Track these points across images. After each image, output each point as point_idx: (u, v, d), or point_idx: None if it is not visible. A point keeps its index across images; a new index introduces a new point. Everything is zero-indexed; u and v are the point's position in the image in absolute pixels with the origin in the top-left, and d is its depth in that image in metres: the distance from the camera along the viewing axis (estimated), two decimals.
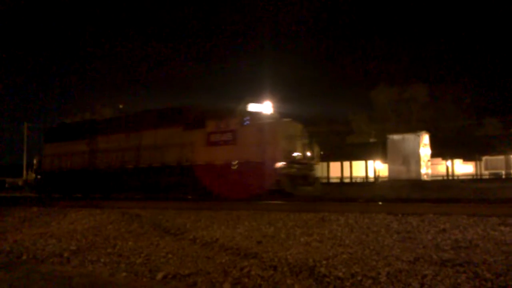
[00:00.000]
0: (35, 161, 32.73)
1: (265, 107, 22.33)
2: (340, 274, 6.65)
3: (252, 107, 21.87)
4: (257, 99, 22.55)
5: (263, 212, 12.20)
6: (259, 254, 8.02)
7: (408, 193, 23.88)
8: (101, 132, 27.49)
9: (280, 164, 19.68)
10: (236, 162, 20.58)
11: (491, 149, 44.92)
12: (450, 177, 46.04)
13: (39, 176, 31.74)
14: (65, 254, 10.11)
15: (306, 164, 20.93)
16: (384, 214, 10.89)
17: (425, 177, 34.03)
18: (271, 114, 22.16)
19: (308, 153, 21.16)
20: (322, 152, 23.82)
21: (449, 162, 48.28)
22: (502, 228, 8.80)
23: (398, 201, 16.65)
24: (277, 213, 11.83)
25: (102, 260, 9.31)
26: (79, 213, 15.22)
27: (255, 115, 21.28)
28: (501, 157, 45.67)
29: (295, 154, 20.39)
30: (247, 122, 20.95)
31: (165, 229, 11.42)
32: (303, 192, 20.17)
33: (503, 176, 43.54)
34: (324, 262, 7.20)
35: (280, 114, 22.51)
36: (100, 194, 26.49)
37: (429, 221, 9.84)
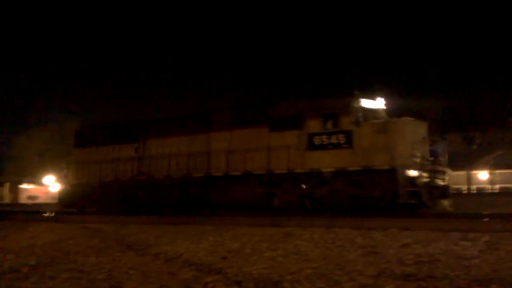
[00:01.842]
0: (62, 170, 27.46)
1: (378, 103, 18.59)
2: None
3: (365, 103, 18.13)
4: (369, 94, 18.60)
5: (228, 226, 12.14)
6: (224, 269, 7.95)
7: None
8: (155, 135, 23.22)
9: (413, 172, 16.61)
10: (353, 169, 17.30)
11: (453, 165, 45.59)
12: None
13: (67, 188, 26.26)
14: (24, 270, 9.82)
15: (437, 172, 17.49)
16: (348, 229, 10.95)
17: None
18: (386, 111, 18.66)
19: (436, 158, 17.63)
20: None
21: None
22: (463, 242, 8.95)
23: (362, 215, 16.72)
24: (243, 228, 11.79)
25: (62, 276, 9.07)
26: (39, 227, 14.88)
27: (371, 113, 18.01)
28: (463, 172, 46.48)
29: (424, 159, 17.08)
30: (365, 120, 17.48)
31: (127, 244, 11.24)
32: (440, 206, 16.98)
33: (465, 191, 44.35)
34: (289, 277, 7.17)
35: (396, 112, 18.95)
36: (151, 209, 22.17)
37: (392, 235, 9.93)
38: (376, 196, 16.83)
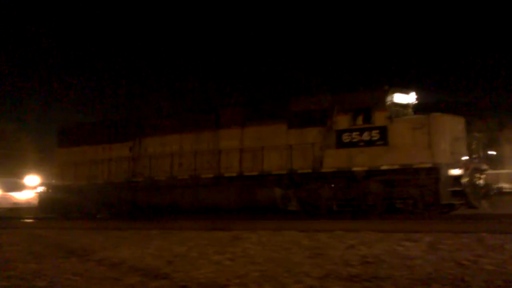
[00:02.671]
0: (44, 172, 25.52)
1: (410, 98, 17.41)
2: None
3: (398, 97, 17.00)
4: (401, 88, 17.40)
5: (174, 231, 12.01)
6: (170, 274, 7.83)
7: None
8: (153, 132, 21.35)
9: (456, 171, 15.52)
10: (389, 168, 16.13)
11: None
12: None
13: (49, 191, 24.25)
14: None
15: (478, 170, 16.46)
16: (295, 231, 11.03)
17: None
18: (418, 105, 17.58)
19: (476, 155, 16.61)
20: (494, 153, 18.80)
21: None
22: (407, 243, 9.16)
23: (307, 218, 16.83)
24: (190, 231, 11.71)
25: (2, 283, 8.72)
26: None
27: (403, 108, 17.09)
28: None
29: (464, 157, 16.15)
30: (398, 116, 16.50)
31: (70, 250, 10.92)
32: (483, 206, 15.89)
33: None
34: (236, 280, 7.13)
35: (429, 106, 18.09)
36: (152, 213, 20.21)
37: (338, 237, 10.06)
38: (415, 197, 15.83)
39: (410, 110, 17.22)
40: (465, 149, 16.22)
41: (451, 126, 16.21)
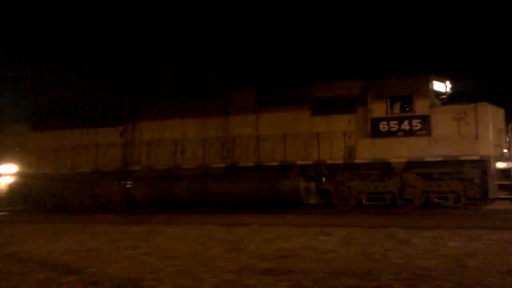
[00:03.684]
0: (14, 159, 21.66)
1: (447, 87, 16.43)
2: (166, 287, 6.51)
3: (437, 85, 15.99)
4: (440, 76, 16.30)
5: (87, 224, 11.65)
6: (81, 269, 7.57)
7: None
8: (149, 116, 19.14)
9: (501, 163, 14.79)
10: (431, 160, 15.19)
11: None
12: None
13: (21, 180, 21.18)
14: None
15: None
16: (212, 225, 11.00)
17: None
18: (452, 94, 16.61)
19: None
20: None
21: None
22: (321, 237, 9.37)
23: (225, 211, 16.76)
24: (103, 225, 11.39)
25: None
26: None
27: (440, 97, 16.22)
28: None
29: (505, 149, 15.31)
30: (442, 105, 15.62)
31: None
32: None
33: None
34: (150, 275, 7.00)
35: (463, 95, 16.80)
36: (153, 206, 18.31)
37: (255, 231, 10.13)
38: (458, 191, 15.14)
39: (444, 100, 16.49)
40: (505, 141, 15.40)
41: (495, 116, 15.36)
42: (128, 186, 19.28)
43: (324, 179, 16.82)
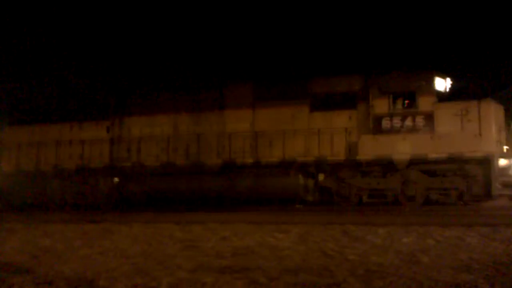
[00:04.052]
0: None
1: (447, 84, 16.35)
2: (121, 286, 6.42)
3: (438, 82, 15.87)
4: (441, 72, 16.15)
5: (39, 223, 11.36)
6: (34, 269, 7.38)
7: None
8: (138, 110, 18.33)
9: (503, 161, 14.85)
10: (435, 157, 15.07)
11: None
12: None
13: None
14: None
15: None
16: (168, 223, 10.91)
17: None
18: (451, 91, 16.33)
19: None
20: None
21: None
22: (278, 234, 9.41)
23: (182, 209, 16.62)
24: (56, 224, 11.13)
25: None
26: None
27: (447, 93, 15.97)
28: None
29: (505, 146, 15.31)
30: (445, 101, 15.33)
31: None
32: None
33: None
34: (105, 274, 6.89)
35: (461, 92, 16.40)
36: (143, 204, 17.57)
37: (211, 229, 10.10)
38: (460, 188, 15.17)
39: (444, 97, 16.15)
40: (505, 138, 15.39)
41: (497, 114, 15.30)
42: (116, 183, 18.50)
43: (321, 176, 16.60)
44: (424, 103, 15.31)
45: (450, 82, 16.28)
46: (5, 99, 22.22)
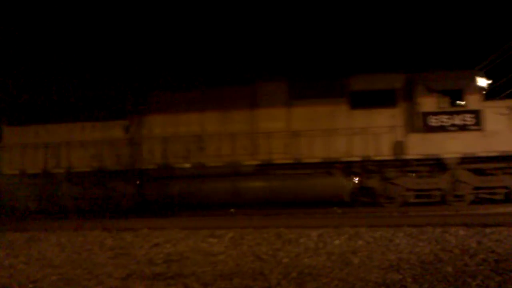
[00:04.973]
0: None
1: (486, 82, 16.14)
2: None
3: (481, 81, 15.67)
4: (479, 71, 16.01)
5: None
6: None
7: None
8: (161, 109, 17.13)
9: None
10: (485, 155, 14.87)
11: None
12: None
13: None
14: None
15: None
16: (98, 231, 10.62)
17: None
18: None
19: None
20: None
21: None
22: (211, 239, 9.34)
23: (112, 216, 16.03)
24: None
25: None
26: None
27: (488, 91, 15.76)
28: None
29: None
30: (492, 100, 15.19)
31: None
32: None
33: None
34: (31, 285, 6.61)
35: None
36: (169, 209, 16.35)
37: (143, 236, 9.91)
38: (510, 186, 14.98)
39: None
40: None
41: None
42: (137, 186, 17.20)
43: (359, 177, 16.16)
44: (472, 101, 15.19)
45: (489, 81, 16.18)
46: (2, 97, 19.67)
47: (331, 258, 7.37)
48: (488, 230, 9.38)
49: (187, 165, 16.64)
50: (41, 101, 18.53)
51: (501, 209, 14.21)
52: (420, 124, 15.38)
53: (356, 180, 16.17)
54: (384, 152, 15.56)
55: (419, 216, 12.74)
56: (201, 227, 10.97)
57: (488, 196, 15.57)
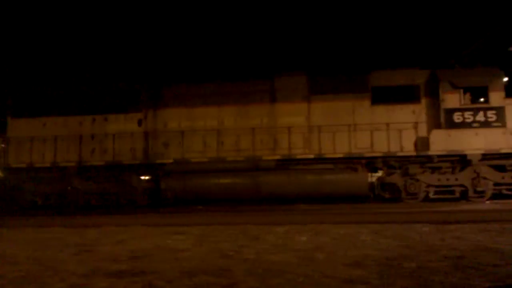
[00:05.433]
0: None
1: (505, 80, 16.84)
2: None
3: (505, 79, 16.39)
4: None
5: None
6: None
7: None
8: (174, 102, 17.09)
9: None
10: (507, 152, 15.35)
11: None
12: None
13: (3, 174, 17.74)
14: None
15: None
16: (61, 227, 10.48)
17: None
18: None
19: None
20: None
21: None
22: (177, 236, 9.31)
23: (77, 213, 15.94)
24: None
25: None
26: None
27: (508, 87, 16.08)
28: None
29: None
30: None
31: None
32: None
33: None
34: None
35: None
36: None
37: (108, 233, 9.81)
38: None
39: None
40: None
41: None
42: (153, 181, 17.15)
43: (382, 172, 16.26)
44: (495, 99, 15.54)
45: (507, 78, 16.70)
46: (7, 89, 19.52)
47: (296, 255, 7.41)
48: (451, 227, 9.58)
49: (205, 159, 16.72)
50: (50, 92, 18.20)
51: (464, 206, 14.55)
52: (444, 120, 15.71)
53: (379, 175, 16.42)
54: (407, 148, 15.88)
55: (383, 213, 12.94)
56: (166, 224, 10.93)
57: (509, 193, 15.87)
